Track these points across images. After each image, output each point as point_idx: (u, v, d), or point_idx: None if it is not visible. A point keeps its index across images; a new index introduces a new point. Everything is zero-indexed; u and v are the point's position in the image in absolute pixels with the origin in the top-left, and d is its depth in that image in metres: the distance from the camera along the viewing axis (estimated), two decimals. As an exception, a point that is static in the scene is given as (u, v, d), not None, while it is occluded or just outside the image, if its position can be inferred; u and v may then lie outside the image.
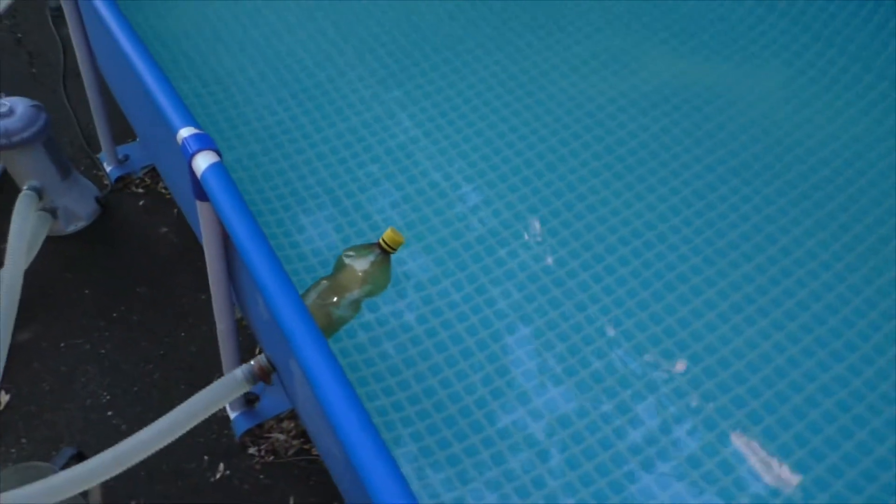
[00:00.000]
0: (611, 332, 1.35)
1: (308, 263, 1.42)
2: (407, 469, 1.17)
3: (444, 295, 1.39)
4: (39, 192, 1.67)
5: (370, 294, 1.08)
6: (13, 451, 1.40)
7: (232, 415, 1.43)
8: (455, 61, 1.85)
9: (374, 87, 1.79)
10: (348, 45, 1.89)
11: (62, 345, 1.58)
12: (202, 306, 1.64)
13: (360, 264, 1.07)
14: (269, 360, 1.11)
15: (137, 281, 1.70)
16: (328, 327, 1.08)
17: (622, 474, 1.18)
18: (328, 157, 1.63)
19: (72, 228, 1.78)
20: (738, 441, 1.22)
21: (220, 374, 1.36)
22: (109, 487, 1.35)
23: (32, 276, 1.61)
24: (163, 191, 1.87)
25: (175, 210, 1.82)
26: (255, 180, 1.58)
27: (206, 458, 1.41)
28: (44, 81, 2.17)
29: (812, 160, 1.62)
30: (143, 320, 1.63)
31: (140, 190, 1.88)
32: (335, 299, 1.06)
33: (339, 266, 1.08)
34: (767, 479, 1.18)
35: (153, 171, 1.92)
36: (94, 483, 1.08)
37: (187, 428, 1.10)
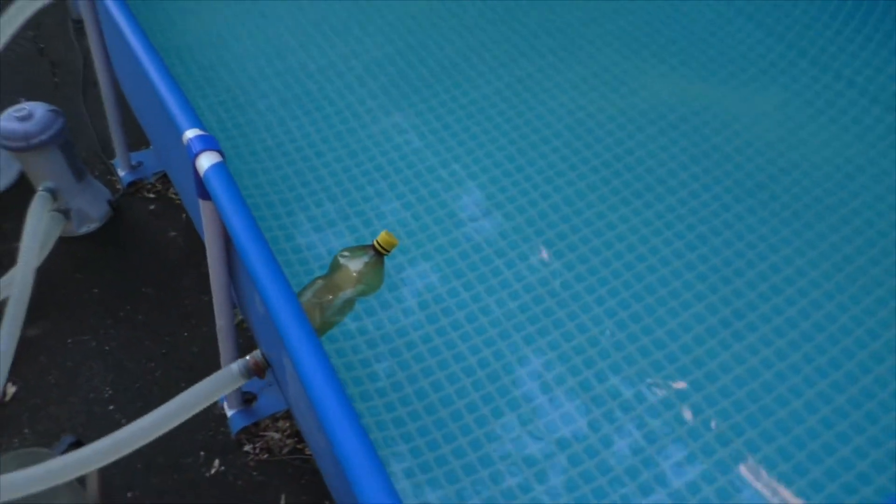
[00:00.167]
0: (615, 355, 1.36)
1: (309, 267, 1.46)
2: (405, 484, 1.18)
3: (448, 313, 1.42)
4: (54, 194, 1.73)
5: (363, 294, 1.12)
6: (16, 440, 1.45)
7: (229, 412, 1.47)
8: (459, 77, 1.90)
9: (382, 100, 1.84)
10: (358, 60, 1.95)
11: (69, 341, 1.63)
12: (205, 308, 1.68)
13: (355, 265, 1.11)
14: (264, 356, 1.15)
15: (144, 282, 1.75)
16: (322, 325, 1.12)
17: (619, 497, 1.18)
18: (333, 167, 1.68)
19: (84, 230, 1.84)
20: (741, 469, 1.21)
21: (219, 372, 1.40)
22: (107, 479, 1.39)
23: (44, 275, 1.67)
24: (173, 196, 1.93)
25: (183, 215, 1.88)
26: (261, 186, 1.63)
27: (202, 453, 1.44)
28: (64, 90, 2.24)
29: (805, 181, 1.65)
30: (148, 320, 1.68)
31: (151, 195, 1.94)
32: (330, 298, 1.10)
33: (335, 266, 1.12)
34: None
35: (164, 178, 1.98)
36: (91, 468, 1.12)
37: (184, 418, 1.14)
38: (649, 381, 1.33)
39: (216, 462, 1.43)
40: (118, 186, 1.95)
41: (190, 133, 1.05)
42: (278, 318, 0.87)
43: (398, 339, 1.37)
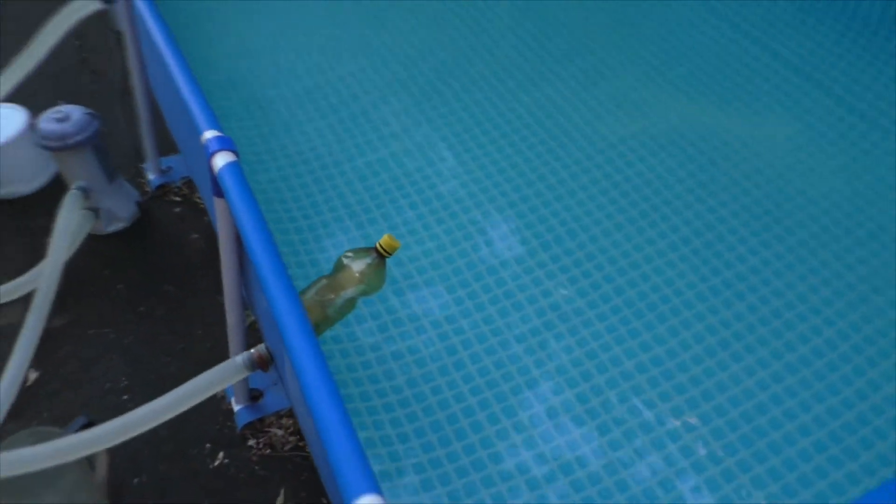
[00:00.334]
0: (622, 384, 1.37)
1: (319, 269, 1.52)
2: (406, 500, 1.20)
3: (460, 332, 1.44)
4: (86, 193, 1.82)
5: (364, 293, 1.17)
6: (35, 422, 1.51)
7: (236, 408, 1.53)
8: (482, 98, 1.96)
9: (403, 118, 1.91)
10: (382, 78, 2.02)
11: (91, 332, 1.71)
12: (220, 309, 1.73)
13: (358, 265, 1.16)
14: (268, 350, 1.20)
15: (165, 281, 1.82)
16: (324, 321, 1.17)
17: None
18: (350, 176, 1.74)
19: (111, 228, 1.93)
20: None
21: (228, 368, 1.46)
22: (115, 464, 1.45)
23: (71, 269, 1.75)
24: (197, 201, 2.01)
25: (206, 219, 1.96)
26: (284, 201, 1.68)
27: (208, 445, 1.50)
28: (103, 97, 2.35)
29: (812, 209, 1.66)
30: (166, 317, 1.75)
31: (177, 198, 2.03)
32: (332, 296, 1.15)
33: (339, 266, 1.17)
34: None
35: (191, 183, 2.06)
36: (99, 448, 1.18)
37: (190, 405, 1.19)
38: (656, 410, 1.33)
39: (220, 454, 1.48)
40: (147, 189, 2.04)
41: (208, 134, 1.12)
42: (277, 309, 0.92)
43: (409, 356, 1.41)
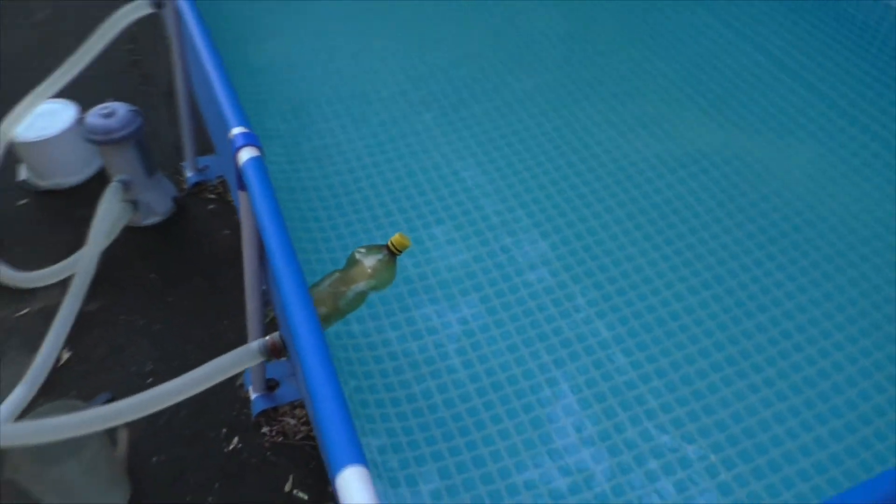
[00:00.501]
0: (651, 402, 1.38)
1: (339, 266, 1.58)
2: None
3: (492, 342, 1.48)
4: (126, 186, 1.91)
5: (374, 288, 1.22)
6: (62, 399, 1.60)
7: (252, 396, 1.59)
8: (512, 118, 2.01)
9: (434, 132, 1.96)
10: (416, 91, 2.09)
11: (122, 318, 1.79)
12: (245, 302, 1.81)
13: (369, 261, 1.21)
14: (281, 339, 1.26)
15: (195, 273, 1.90)
16: (335, 312, 1.22)
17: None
18: (375, 180, 1.81)
19: (148, 221, 2.02)
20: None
21: (247, 357, 1.52)
22: (136, 442, 1.52)
23: (108, 258, 1.85)
24: (230, 199, 2.09)
25: (237, 217, 2.03)
26: (310, 200, 1.75)
27: (224, 430, 1.56)
28: (150, 98, 2.46)
29: (830, 235, 1.67)
30: (193, 307, 1.82)
31: (212, 196, 2.11)
32: (343, 289, 1.21)
33: (351, 261, 1.23)
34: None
35: (225, 182, 2.15)
36: (121, 420, 1.24)
37: (205, 386, 1.26)
38: (682, 430, 1.33)
39: (235, 439, 1.54)
40: (184, 186, 2.13)
41: (236, 130, 1.19)
42: (281, 283, 0.97)
43: (440, 362, 1.44)
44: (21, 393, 1.58)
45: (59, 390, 1.62)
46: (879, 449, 1.31)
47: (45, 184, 2.14)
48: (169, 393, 1.24)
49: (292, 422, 1.56)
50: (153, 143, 2.15)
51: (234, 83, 1.34)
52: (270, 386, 1.60)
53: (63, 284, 1.78)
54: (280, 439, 1.54)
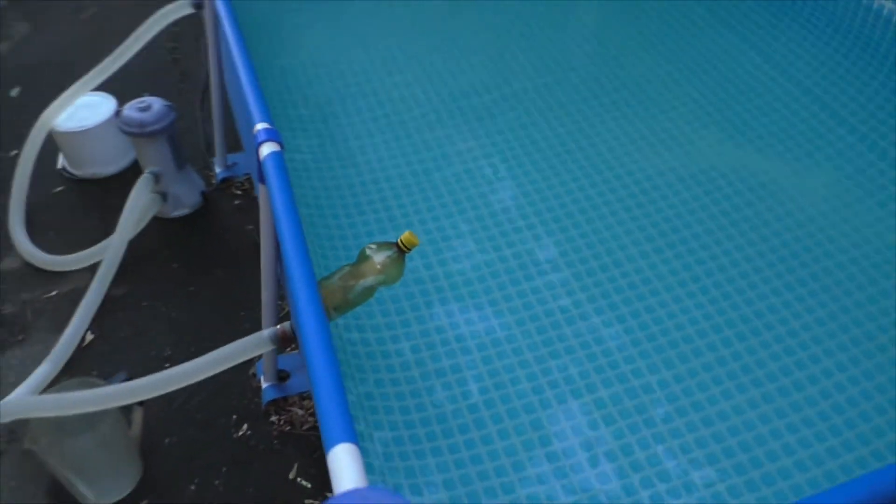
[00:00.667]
0: (660, 425, 1.38)
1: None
2: None
3: (503, 356, 1.49)
4: (157, 178, 1.99)
5: (383, 283, 1.27)
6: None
7: (263, 385, 1.64)
8: (532, 128, 2.04)
9: (457, 142, 1.99)
10: (438, 94, 2.14)
11: (144, 304, 1.86)
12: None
13: (379, 257, 1.26)
14: (291, 328, 1.31)
15: (217, 265, 1.97)
16: (343, 304, 1.27)
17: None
18: (395, 183, 1.85)
19: (176, 213, 2.09)
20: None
21: (260, 346, 1.57)
22: (150, 424, 1.58)
23: (135, 246, 1.92)
24: (256, 196, 2.16)
25: (262, 212, 2.10)
26: (331, 198, 1.80)
27: (234, 416, 1.61)
28: (186, 95, 2.55)
29: (842, 258, 1.68)
30: (213, 298, 1.89)
31: (238, 192, 2.19)
32: (353, 283, 1.26)
33: (362, 257, 1.28)
34: None
35: (252, 179, 2.22)
36: (136, 398, 1.30)
37: (217, 370, 1.31)
38: (691, 456, 1.33)
39: (244, 426, 1.60)
40: (213, 181, 2.21)
41: (259, 125, 1.24)
42: (291, 271, 1.02)
43: (451, 374, 1.46)
44: (45, 370, 1.66)
45: (80, 369, 1.70)
46: (874, 469, 1.31)
47: (81, 173, 2.23)
48: (181, 375, 1.30)
49: (300, 412, 1.61)
50: (186, 139, 2.23)
51: (265, 83, 1.40)
52: (281, 377, 1.65)
53: (92, 269, 1.86)
54: (287, 428, 1.59)
